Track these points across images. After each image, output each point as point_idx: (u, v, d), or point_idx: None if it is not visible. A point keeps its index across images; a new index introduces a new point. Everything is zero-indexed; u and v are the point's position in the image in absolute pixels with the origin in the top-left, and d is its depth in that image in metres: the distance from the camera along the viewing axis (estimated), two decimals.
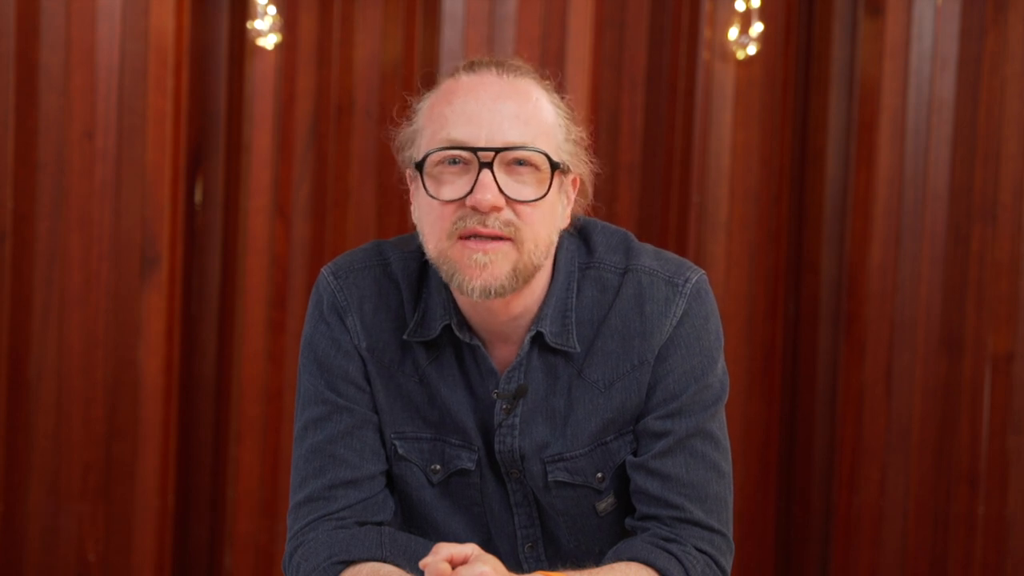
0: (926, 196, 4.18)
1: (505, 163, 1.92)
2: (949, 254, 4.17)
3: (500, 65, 1.96)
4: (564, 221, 2.01)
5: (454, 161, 1.92)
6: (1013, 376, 4.16)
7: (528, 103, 1.94)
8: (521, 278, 1.93)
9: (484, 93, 1.93)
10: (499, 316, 1.99)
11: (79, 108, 4.04)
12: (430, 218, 1.94)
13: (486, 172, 1.90)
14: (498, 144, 1.91)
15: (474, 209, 1.90)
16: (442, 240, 1.93)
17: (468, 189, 1.91)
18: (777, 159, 4.25)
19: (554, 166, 1.94)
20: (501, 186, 1.91)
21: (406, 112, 2.01)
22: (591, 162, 2.03)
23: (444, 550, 1.80)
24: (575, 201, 2.03)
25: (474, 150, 1.91)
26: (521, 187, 1.92)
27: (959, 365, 4.18)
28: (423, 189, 1.94)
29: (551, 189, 1.94)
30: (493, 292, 1.92)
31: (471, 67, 1.97)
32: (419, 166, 1.95)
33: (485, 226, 1.91)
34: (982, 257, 4.15)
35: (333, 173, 4.22)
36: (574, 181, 2.01)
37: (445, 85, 1.97)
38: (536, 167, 1.93)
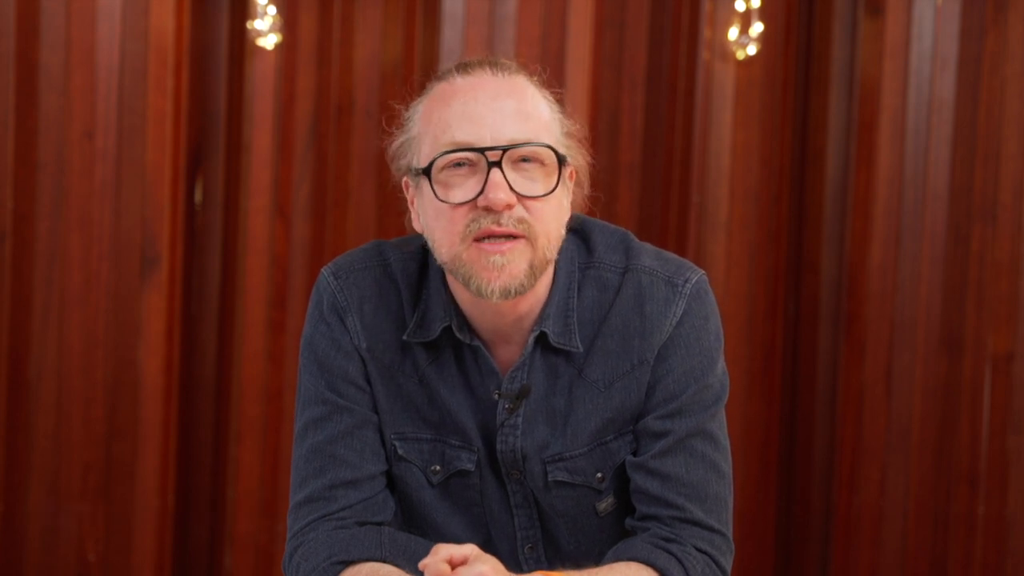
0: (926, 196, 4.18)
1: (512, 161, 1.91)
2: (949, 254, 4.17)
3: (493, 64, 1.96)
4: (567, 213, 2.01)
5: (460, 164, 1.92)
6: (1013, 376, 4.15)
7: (526, 100, 1.94)
8: (537, 273, 1.93)
9: (482, 93, 1.93)
10: (506, 317, 1.99)
11: (79, 108, 4.04)
12: (441, 223, 1.93)
13: (495, 171, 1.90)
14: (503, 142, 1.91)
15: (487, 209, 1.90)
16: (456, 244, 1.92)
17: (478, 190, 1.90)
18: (777, 159, 4.24)
19: (560, 159, 1.94)
20: (511, 183, 1.90)
21: (397, 121, 2.01)
22: (586, 153, 2.03)
23: (443, 551, 1.80)
24: (573, 192, 2.03)
25: (481, 150, 1.90)
26: (529, 183, 1.92)
27: (959, 365, 4.18)
28: (432, 194, 1.93)
29: (559, 182, 1.94)
30: (513, 292, 1.92)
31: (464, 68, 1.96)
32: (426, 172, 1.93)
33: (500, 225, 1.90)
34: (982, 257, 4.15)
35: (333, 173, 4.22)
36: (571, 174, 2.01)
37: (439, 89, 1.96)
38: (542, 162, 1.93)
